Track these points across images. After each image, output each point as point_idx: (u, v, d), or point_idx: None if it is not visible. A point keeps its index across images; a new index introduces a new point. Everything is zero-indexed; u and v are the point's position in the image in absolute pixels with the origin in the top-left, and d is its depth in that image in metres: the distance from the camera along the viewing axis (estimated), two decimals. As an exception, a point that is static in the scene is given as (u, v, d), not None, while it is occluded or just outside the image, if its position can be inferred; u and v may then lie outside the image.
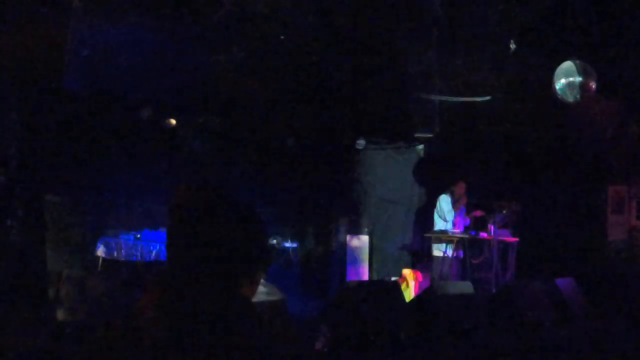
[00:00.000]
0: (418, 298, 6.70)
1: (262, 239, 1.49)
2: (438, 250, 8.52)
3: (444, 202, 8.63)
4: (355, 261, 9.65)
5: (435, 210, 8.76)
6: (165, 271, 1.43)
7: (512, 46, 6.06)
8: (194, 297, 1.34)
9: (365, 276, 9.58)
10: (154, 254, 8.25)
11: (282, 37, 6.13)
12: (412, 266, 9.62)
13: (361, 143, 10.40)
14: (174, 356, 1.28)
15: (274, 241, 9.27)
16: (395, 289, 6.41)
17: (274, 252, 9.21)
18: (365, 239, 9.78)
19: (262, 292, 5.30)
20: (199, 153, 10.02)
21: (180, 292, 1.35)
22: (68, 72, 5.08)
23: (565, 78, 5.70)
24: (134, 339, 1.30)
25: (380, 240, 10.33)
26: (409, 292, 8.50)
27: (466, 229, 8.66)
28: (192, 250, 1.39)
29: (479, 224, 8.68)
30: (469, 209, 8.83)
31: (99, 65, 5.44)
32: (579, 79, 5.66)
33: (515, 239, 8.68)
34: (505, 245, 8.61)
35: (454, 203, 8.59)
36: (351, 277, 9.45)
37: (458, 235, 8.36)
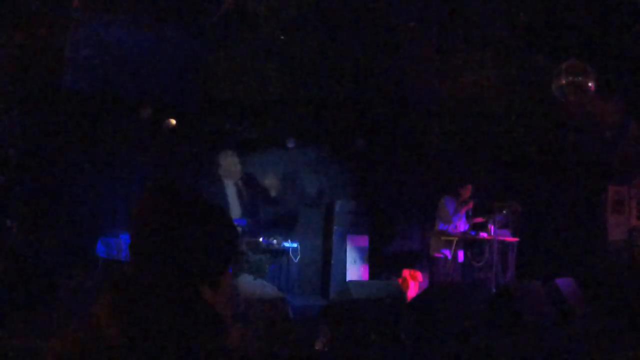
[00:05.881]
0: (418, 298, 6.70)
1: (225, 241, 1.39)
2: (438, 251, 8.51)
3: (448, 204, 8.60)
4: (355, 261, 9.65)
5: (437, 211, 8.73)
6: (120, 273, 1.35)
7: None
8: (150, 301, 1.27)
9: (365, 276, 9.58)
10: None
11: (282, 37, 6.13)
12: (412, 266, 9.61)
13: (360, 143, 10.41)
14: None
15: (274, 241, 9.25)
16: (395, 289, 6.41)
17: (274, 253, 9.20)
18: (365, 239, 9.78)
19: (262, 292, 5.30)
20: (199, 153, 10.01)
21: (136, 297, 1.28)
22: (68, 72, 5.08)
23: (565, 78, 5.71)
24: (87, 345, 1.24)
25: (380, 240, 10.33)
26: (409, 292, 8.51)
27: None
28: (152, 251, 1.32)
29: (479, 226, 8.66)
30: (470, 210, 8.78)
31: (99, 65, 5.43)
32: (579, 78, 5.67)
33: (515, 239, 8.67)
34: (505, 245, 8.60)
35: (458, 205, 8.55)
36: (351, 277, 9.45)
37: (458, 236, 8.35)
